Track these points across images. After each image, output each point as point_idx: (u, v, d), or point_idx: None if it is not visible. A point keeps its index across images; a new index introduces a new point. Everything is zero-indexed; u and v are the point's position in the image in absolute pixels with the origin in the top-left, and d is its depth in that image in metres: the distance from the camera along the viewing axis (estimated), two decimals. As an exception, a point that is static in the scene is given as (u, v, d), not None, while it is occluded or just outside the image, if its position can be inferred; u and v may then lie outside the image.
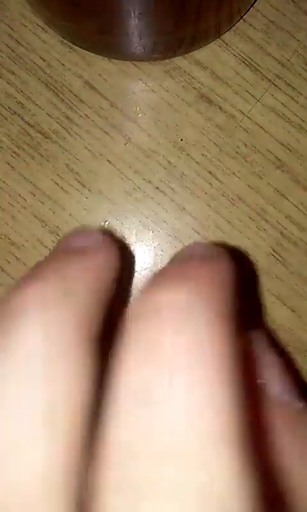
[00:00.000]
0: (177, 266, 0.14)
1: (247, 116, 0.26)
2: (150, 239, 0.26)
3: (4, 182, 0.26)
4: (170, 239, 0.26)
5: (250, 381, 0.17)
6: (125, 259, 0.25)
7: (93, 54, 0.26)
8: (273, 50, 0.26)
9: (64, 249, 0.16)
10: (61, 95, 0.26)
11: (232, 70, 0.26)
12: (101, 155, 0.26)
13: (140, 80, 0.26)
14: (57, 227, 0.26)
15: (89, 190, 0.26)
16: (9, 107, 0.26)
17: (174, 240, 0.26)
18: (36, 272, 0.14)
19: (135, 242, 0.26)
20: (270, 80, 0.26)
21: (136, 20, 0.22)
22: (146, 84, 0.26)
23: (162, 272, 0.14)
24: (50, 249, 0.26)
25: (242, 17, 0.26)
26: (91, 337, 0.13)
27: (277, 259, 0.26)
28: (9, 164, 0.26)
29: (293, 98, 0.26)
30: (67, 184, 0.26)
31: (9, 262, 0.26)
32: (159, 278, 0.14)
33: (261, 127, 0.26)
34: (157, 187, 0.26)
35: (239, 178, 0.26)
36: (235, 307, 0.13)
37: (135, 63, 0.26)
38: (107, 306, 0.14)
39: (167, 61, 0.26)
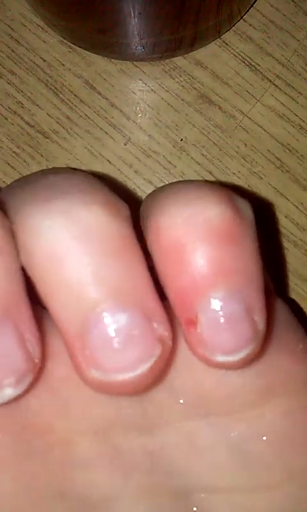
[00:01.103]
0: None
1: (247, 116, 0.26)
2: (150, 239, 0.26)
3: (4, 182, 0.26)
4: (170, 239, 0.26)
5: None
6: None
7: (93, 54, 0.26)
8: (273, 50, 0.26)
9: None
10: (61, 95, 0.26)
11: (232, 70, 0.26)
12: (101, 155, 0.26)
13: (140, 80, 0.26)
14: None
15: (89, 190, 0.26)
16: (9, 107, 0.26)
17: (174, 240, 0.26)
18: None
19: (135, 242, 0.26)
20: (270, 80, 0.26)
21: (136, 19, 0.22)
22: (146, 84, 0.26)
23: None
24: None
25: (242, 17, 0.26)
26: None
27: (277, 259, 0.26)
28: (9, 164, 0.26)
29: (293, 98, 0.26)
30: (67, 183, 0.26)
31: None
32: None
33: (261, 127, 0.26)
34: (158, 187, 0.26)
35: (239, 178, 0.26)
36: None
37: (135, 63, 0.26)
38: None
39: (167, 61, 0.26)
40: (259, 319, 0.13)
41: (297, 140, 0.26)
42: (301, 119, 0.26)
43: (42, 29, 0.26)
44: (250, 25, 0.26)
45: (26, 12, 0.26)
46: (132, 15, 0.22)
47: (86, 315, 0.12)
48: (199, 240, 0.13)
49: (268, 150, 0.26)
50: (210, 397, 0.15)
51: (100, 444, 0.14)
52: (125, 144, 0.26)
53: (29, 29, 0.26)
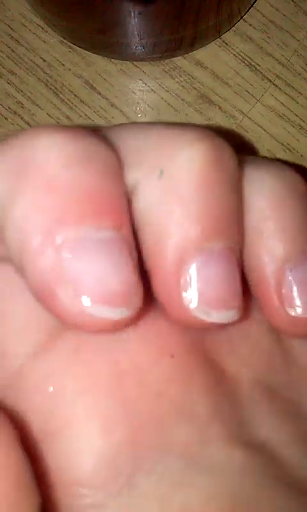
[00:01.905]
0: None
1: (247, 116, 0.26)
2: (150, 239, 0.26)
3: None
4: (170, 239, 0.26)
5: None
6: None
7: (93, 54, 0.26)
8: (273, 50, 0.26)
9: None
10: (61, 95, 0.26)
11: (232, 70, 0.26)
12: (101, 155, 0.26)
13: (140, 80, 0.26)
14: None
15: (89, 190, 0.26)
16: (9, 107, 0.26)
17: (174, 240, 0.26)
18: None
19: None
20: (270, 80, 0.26)
21: (136, 19, 0.22)
22: (146, 84, 0.26)
23: None
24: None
25: (242, 17, 0.26)
26: None
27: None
28: (9, 164, 0.26)
29: (293, 98, 0.26)
30: (67, 183, 0.26)
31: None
32: None
33: (261, 127, 0.26)
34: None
35: (239, 178, 0.26)
36: None
37: (135, 63, 0.26)
38: None
39: (167, 61, 0.26)
40: None
41: (297, 140, 0.26)
42: (301, 119, 0.26)
43: (42, 29, 0.26)
44: (250, 25, 0.26)
45: (26, 12, 0.26)
46: (132, 15, 0.22)
47: (284, 261, 0.15)
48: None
49: (268, 150, 0.26)
50: None
51: (261, 386, 0.16)
52: (125, 144, 0.26)
53: (29, 29, 0.26)
